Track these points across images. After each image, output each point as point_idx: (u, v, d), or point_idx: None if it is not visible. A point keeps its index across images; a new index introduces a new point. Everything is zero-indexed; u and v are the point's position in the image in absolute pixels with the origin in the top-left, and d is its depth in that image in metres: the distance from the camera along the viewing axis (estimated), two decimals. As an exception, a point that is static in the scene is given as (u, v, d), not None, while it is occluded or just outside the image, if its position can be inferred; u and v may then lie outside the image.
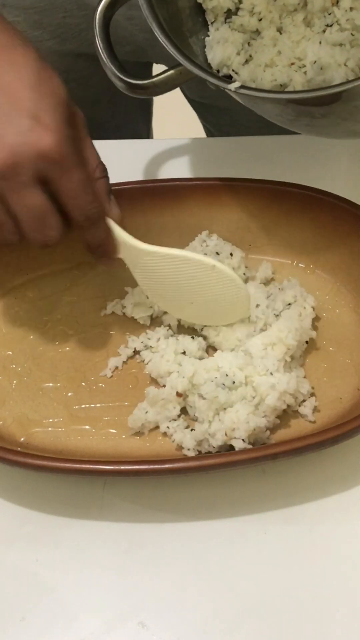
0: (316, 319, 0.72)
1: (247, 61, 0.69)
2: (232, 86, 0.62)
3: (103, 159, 0.86)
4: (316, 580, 0.61)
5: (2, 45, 0.61)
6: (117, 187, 0.76)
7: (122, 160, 0.85)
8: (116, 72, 0.67)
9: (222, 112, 0.97)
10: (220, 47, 0.68)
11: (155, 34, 0.65)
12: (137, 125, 1.06)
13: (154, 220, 0.76)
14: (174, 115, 1.24)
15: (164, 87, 0.67)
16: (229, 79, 0.67)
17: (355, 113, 0.61)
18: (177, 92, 1.01)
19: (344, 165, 0.84)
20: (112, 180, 0.76)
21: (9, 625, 0.59)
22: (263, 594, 0.60)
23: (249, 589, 0.60)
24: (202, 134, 1.08)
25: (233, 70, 0.68)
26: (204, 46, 0.70)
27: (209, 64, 0.69)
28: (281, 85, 0.67)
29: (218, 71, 0.69)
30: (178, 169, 0.83)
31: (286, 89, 0.66)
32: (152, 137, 1.13)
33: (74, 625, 0.59)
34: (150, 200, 0.76)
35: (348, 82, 0.58)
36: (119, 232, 0.67)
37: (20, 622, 0.59)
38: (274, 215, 0.75)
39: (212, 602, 0.60)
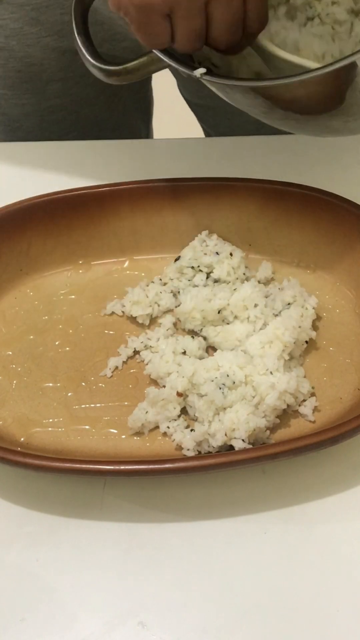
0: (316, 319, 0.72)
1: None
2: (198, 72, 0.62)
3: (103, 159, 0.86)
4: (316, 580, 0.61)
5: None
6: (117, 187, 0.76)
7: (122, 160, 0.86)
8: (89, 58, 0.67)
9: (219, 113, 0.97)
10: None
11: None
12: (136, 124, 1.06)
13: (154, 220, 0.76)
14: (174, 115, 1.24)
15: (137, 73, 0.67)
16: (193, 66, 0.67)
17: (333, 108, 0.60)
18: (177, 92, 1.02)
19: (344, 165, 0.84)
20: (112, 180, 0.77)
21: (9, 625, 0.59)
22: (263, 594, 0.60)
23: (249, 589, 0.60)
24: (201, 134, 1.08)
25: (213, 64, 0.68)
26: None
27: (191, 57, 0.69)
28: (256, 73, 0.67)
29: (200, 63, 0.68)
30: (178, 169, 0.83)
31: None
32: (151, 137, 1.13)
33: (74, 625, 0.59)
34: (150, 200, 0.76)
35: (316, 69, 0.56)
36: None
37: (20, 622, 0.59)
38: (274, 215, 0.75)
39: (212, 602, 0.60)
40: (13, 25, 0.84)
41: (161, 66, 0.66)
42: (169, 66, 0.64)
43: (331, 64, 0.56)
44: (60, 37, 0.86)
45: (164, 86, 1.00)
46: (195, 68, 0.62)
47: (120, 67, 0.67)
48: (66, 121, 0.94)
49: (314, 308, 0.71)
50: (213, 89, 0.65)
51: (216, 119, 0.99)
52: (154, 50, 0.63)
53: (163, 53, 0.63)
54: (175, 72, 0.92)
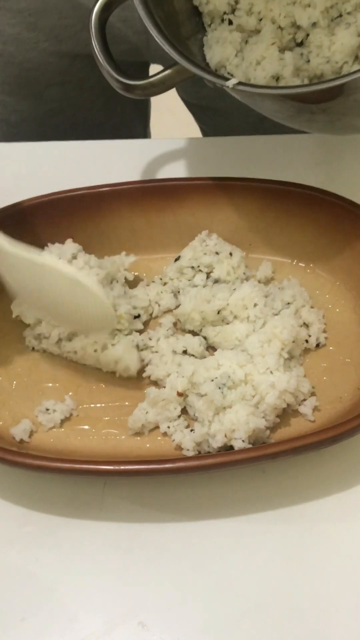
0: (316, 318, 0.72)
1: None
2: (230, 83, 0.62)
3: (102, 159, 0.86)
4: (316, 580, 0.60)
5: None
6: (117, 187, 0.76)
7: (121, 160, 0.86)
8: (112, 73, 0.67)
9: (217, 114, 0.97)
10: (219, 47, 0.68)
11: (151, 32, 0.64)
12: (134, 126, 1.06)
13: (154, 220, 0.76)
14: (174, 116, 1.24)
15: (162, 86, 0.67)
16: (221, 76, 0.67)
17: (355, 107, 0.61)
18: (175, 92, 1.02)
19: (344, 165, 0.84)
20: (111, 180, 0.77)
21: (9, 625, 0.59)
22: (263, 594, 0.60)
23: (249, 589, 0.60)
24: (200, 135, 1.08)
25: (228, 73, 0.68)
26: (202, 46, 0.70)
27: (207, 64, 0.69)
28: (273, 77, 0.67)
29: (216, 71, 0.69)
30: (178, 169, 0.83)
31: (280, 83, 0.66)
32: (149, 138, 1.13)
33: (74, 625, 0.59)
34: (150, 200, 0.76)
35: (347, 74, 0.57)
36: None
37: (20, 622, 0.59)
38: (274, 215, 0.75)
39: (212, 602, 0.60)
40: (11, 30, 0.84)
41: (187, 77, 0.66)
42: (195, 76, 0.64)
43: (354, 72, 0.57)
44: (58, 42, 0.86)
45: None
46: (225, 78, 0.62)
47: (145, 81, 0.67)
48: (65, 125, 0.94)
49: (311, 307, 0.71)
50: (237, 96, 0.65)
51: (214, 119, 0.99)
52: (181, 62, 0.63)
53: (190, 63, 0.63)
54: None
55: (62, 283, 0.63)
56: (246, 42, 0.69)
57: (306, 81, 0.66)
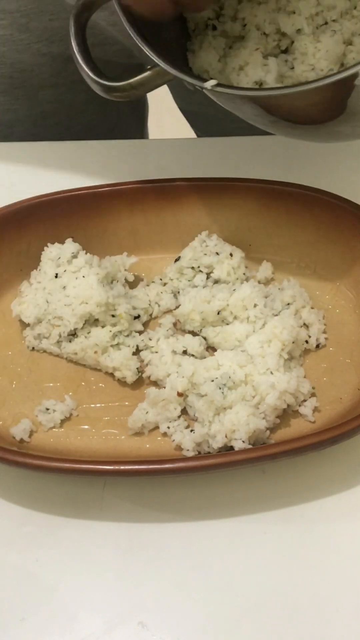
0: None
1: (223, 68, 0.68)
2: (208, 84, 0.61)
3: (102, 159, 0.86)
4: (316, 580, 0.61)
5: None
6: (117, 187, 0.76)
7: (121, 160, 0.86)
8: (90, 74, 0.66)
9: (210, 120, 0.96)
10: (203, 52, 0.67)
11: (130, 32, 0.63)
12: (130, 128, 1.05)
13: (154, 220, 0.76)
14: (173, 116, 1.24)
15: (141, 88, 0.66)
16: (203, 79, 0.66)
17: (341, 113, 0.60)
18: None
19: (344, 165, 0.84)
20: (111, 181, 0.77)
21: (9, 625, 0.59)
22: (263, 594, 0.60)
23: (249, 589, 0.60)
24: (199, 135, 1.08)
25: (211, 78, 0.67)
26: (186, 51, 0.69)
27: (190, 68, 0.68)
28: (256, 82, 0.66)
29: (199, 76, 0.68)
30: (177, 169, 0.83)
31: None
32: (148, 138, 1.13)
33: (74, 625, 0.59)
34: (150, 200, 0.76)
35: (326, 77, 0.56)
36: None
37: (20, 622, 0.59)
38: (274, 215, 0.75)
39: (212, 602, 0.60)
40: (2, 31, 0.84)
41: (167, 79, 0.65)
42: (175, 79, 0.63)
43: (335, 73, 0.56)
44: (51, 43, 0.86)
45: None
46: (202, 80, 0.61)
47: (124, 82, 0.65)
48: (59, 127, 0.94)
49: (311, 307, 0.71)
50: (219, 101, 0.64)
51: (208, 126, 0.98)
52: (160, 63, 0.62)
53: (170, 64, 0.63)
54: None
55: None
56: (230, 47, 0.69)
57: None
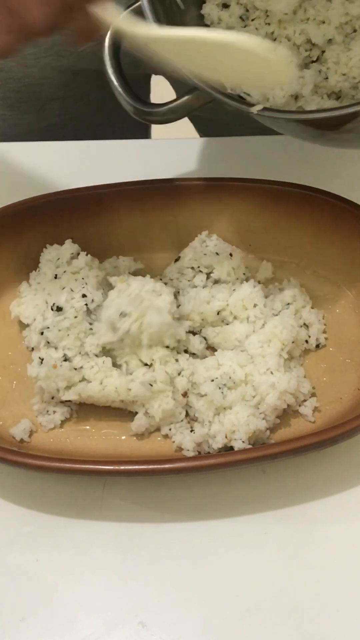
0: (316, 319, 0.72)
1: None
2: (255, 109, 0.61)
3: (103, 159, 0.86)
4: (316, 580, 0.61)
5: None
6: (117, 188, 0.76)
7: (122, 160, 0.86)
8: (127, 98, 0.66)
9: (217, 125, 0.96)
10: None
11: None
12: (135, 139, 1.05)
13: (154, 220, 0.76)
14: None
15: (181, 111, 0.65)
16: (241, 99, 0.66)
17: None
18: (175, 94, 1.01)
19: (344, 165, 0.84)
20: (112, 180, 0.77)
21: (9, 626, 0.59)
22: (263, 594, 0.60)
23: (249, 589, 0.60)
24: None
25: (245, 92, 0.67)
26: None
27: (222, 84, 0.68)
28: (292, 96, 0.67)
29: (232, 91, 0.68)
30: (178, 169, 0.83)
31: (299, 101, 0.66)
32: (149, 138, 1.12)
33: (74, 625, 0.59)
34: (150, 200, 0.76)
35: None
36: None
37: (20, 623, 0.59)
38: (274, 215, 0.75)
39: (212, 602, 0.60)
40: None
41: (206, 102, 0.64)
42: (214, 101, 0.63)
43: None
44: (59, 57, 0.86)
45: (163, 90, 1.00)
46: (248, 104, 0.61)
47: (164, 108, 0.65)
48: (65, 139, 0.94)
49: (311, 307, 0.71)
50: (260, 120, 0.64)
51: (215, 130, 0.98)
52: (203, 89, 0.62)
53: (212, 88, 0.62)
54: (174, 84, 0.92)
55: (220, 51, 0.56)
56: None
57: (325, 98, 0.66)
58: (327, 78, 0.67)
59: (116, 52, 0.67)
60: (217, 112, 0.66)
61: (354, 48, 0.65)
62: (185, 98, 0.65)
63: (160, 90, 0.95)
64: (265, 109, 0.61)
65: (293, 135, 0.66)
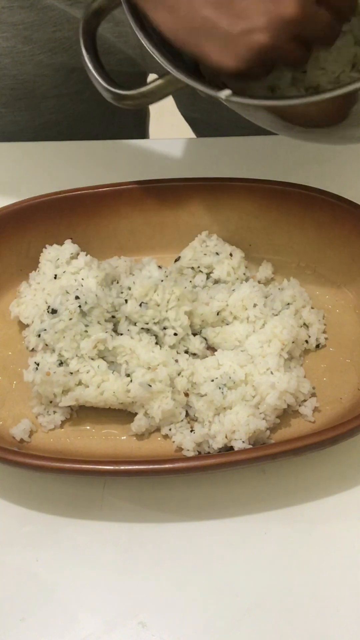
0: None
1: None
2: (223, 94, 0.60)
3: (103, 159, 0.86)
4: (316, 580, 0.61)
5: None
6: (117, 187, 0.76)
7: (121, 160, 0.86)
8: (102, 82, 0.65)
9: (212, 127, 0.96)
10: None
11: (142, 41, 0.63)
12: (132, 137, 1.05)
13: (154, 220, 0.76)
14: (174, 116, 1.24)
15: (153, 96, 0.65)
16: (211, 84, 0.66)
17: (352, 118, 0.60)
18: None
19: (344, 165, 0.84)
20: (112, 180, 0.77)
21: (9, 626, 0.59)
22: (263, 594, 0.60)
23: (249, 589, 0.60)
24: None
25: (222, 83, 0.67)
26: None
27: (201, 74, 0.68)
28: (269, 87, 0.66)
29: (210, 81, 0.67)
30: (177, 169, 0.83)
31: (276, 93, 0.65)
32: (149, 138, 1.13)
33: (74, 625, 0.59)
34: (150, 200, 0.76)
35: (342, 86, 0.56)
36: None
37: (20, 623, 0.59)
38: (274, 215, 0.75)
39: (212, 602, 0.60)
40: (5, 44, 0.83)
41: (179, 87, 0.64)
42: (187, 86, 0.63)
43: (350, 83, 0.56)
44: (54, 54, 0.86)
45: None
46: (218, 88, 0.61)
47: (136, 91, 0.65)
48: (61, 137, 0.94)
49: (312, 307, 0.71)
50: (231, 106, 0.64)
51: (212, 132, 0.98)
52: (172, 72, 0.62)
53: (183, 72, 0.62)
54: None
55: None
56: None
57: (302, 92, 0.66)
58: (305, 72, 0.66)
59: (92, 38, 0.67)
60: (214, 114, 0.66)
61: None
62: (157, 82, 0.65)
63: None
64: (233, 94, 0.61)
65: (264, 125, 0.66)
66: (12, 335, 0.73)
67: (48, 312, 0.68)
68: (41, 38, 0.83)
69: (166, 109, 1.20)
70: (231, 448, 0.64)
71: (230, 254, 0.74)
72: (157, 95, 0.65)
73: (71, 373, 0.66)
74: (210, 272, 0.74)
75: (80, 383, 0.66)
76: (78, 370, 0.66)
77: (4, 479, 0.66)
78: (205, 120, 0.96)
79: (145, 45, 0.63)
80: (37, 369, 0.66)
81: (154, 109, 1.11)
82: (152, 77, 0.95)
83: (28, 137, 0.94)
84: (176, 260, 0.75)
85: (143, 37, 0.63)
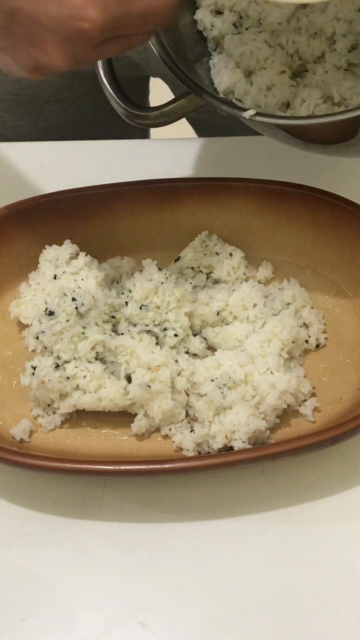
0: (316, 319, 0.72)
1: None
2: (247, 114, 0.61)
3: (103, 159, 0.86)
4: (316, 580, 0.61)
5: None
6: (117, 188, 0.76)
7: (121, 160, 0.86)
8: (121, 104, 0.65)
9: (216, 128, 0.96)
10: (228, 72, 0.67)
11: (164, 63, 0.63)
12: (134, 138, 1.05)
13: (154, 220, 0.76)
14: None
15: (173, 116, 0.65)
16: (233, 104, 0.66)
17: None
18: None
19: (344, 165, 0.84)
20: (112, 181, 0.77)
21: (9, 626, 0.59)
22: (263, 594, 0.60)
23: (249, 589, 0.60)
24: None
25: (236, 98, 0.67)
26: (209, 69, 0.69)
27: (215, 89, 0.68)
28: (284, 103, 0.67)
29: (224, 96, 0.67)
30: (178, 169, 0.83)
31: (290, 110, 0.66)
32: (149, 138, 1.12)
33: (74, 625, 0.59)
34: (150, 200, 0.76)
35: (346, 111, 0.58)
36: None
37: (20, 622, 0.59)
38: (274, 215, 0.75)
39: (212, 602, 0.60)
40: None
41: (199, 106, 0.64)
42: (206, 105, 0.63)
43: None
44: None
45: (161, 93, 1.00)
46: (240, 109, 0.61)
47: (157, 111, 0.65)
48: (63, 140, 0.94)
49: (311, 307, 0.71)
50: (251, 125, 0.64)
51: (215, 133, 0.98)
52: (196, 93, 0.62)
53: (206, 94, 0.62)
54: (173, 86, 0.92)
55: None
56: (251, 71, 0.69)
57: (318, 101, 0.66)
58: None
59: (109, 61, 0.67)
60: (216, 115, 0.66)
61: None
62: (178, 102, 0.65)
63: (158, 93, 0.95)
64: (257, 113, 0.61)
65: (284, 142, 0.66)
66: (12, 335, 0.73)
67: (46, 314, 0.68)
68: None
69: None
70: (231, 448, 0.64)
71: (230, 254, 0.74)
72: (177, 114, 0.66)
73: (67, 378, 0.66)
74: (210, 272, 0.74)
75: (77, 388, 0.66)
76: (75, 375, 0.66)
77: (4, 479, 0.66)
78: (208, 121, 0.96)
79: (167, 67, 0.63)
80: (33, 373, 0.66)
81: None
82: (155, 80, 0.96)
83: (29, 141, 0.94)
84: (176, 260, 0.75)
85: (165, 59, 0.63)
